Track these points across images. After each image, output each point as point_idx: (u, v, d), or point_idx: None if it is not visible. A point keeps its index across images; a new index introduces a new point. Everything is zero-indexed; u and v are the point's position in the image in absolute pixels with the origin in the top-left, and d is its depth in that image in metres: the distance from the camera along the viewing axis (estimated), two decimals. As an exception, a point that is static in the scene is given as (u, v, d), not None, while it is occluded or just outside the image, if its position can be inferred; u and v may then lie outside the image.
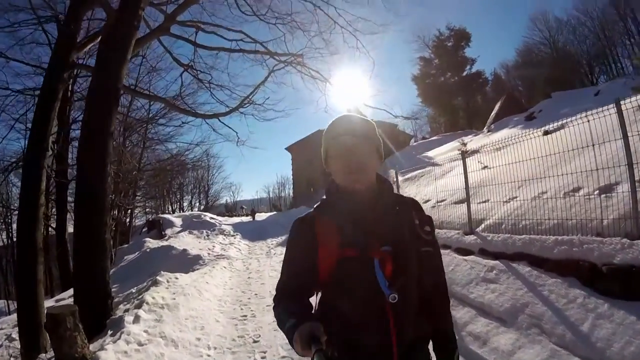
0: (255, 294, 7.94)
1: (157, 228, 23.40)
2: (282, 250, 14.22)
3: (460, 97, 46.96)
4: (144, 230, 26.95)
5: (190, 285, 7.52)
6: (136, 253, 15.07)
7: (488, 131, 21.46)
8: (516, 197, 6.49)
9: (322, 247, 1.36)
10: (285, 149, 45.16)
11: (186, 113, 12.48)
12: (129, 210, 28.33)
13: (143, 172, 27.44)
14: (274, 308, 1.44)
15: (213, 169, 55.76)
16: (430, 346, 1.52)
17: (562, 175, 5.68)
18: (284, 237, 17.72)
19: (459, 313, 5.01)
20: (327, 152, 1.49)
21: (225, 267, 11.09)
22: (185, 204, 53.02)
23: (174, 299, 6.54)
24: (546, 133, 6.96)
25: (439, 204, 9.00)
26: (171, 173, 34.92)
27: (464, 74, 46.28)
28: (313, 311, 1.40)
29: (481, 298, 5.02)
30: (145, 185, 31.23)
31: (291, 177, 47.54)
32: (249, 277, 9.97)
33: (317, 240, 1.37)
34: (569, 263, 4.37)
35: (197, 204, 54.48)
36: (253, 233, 20.62)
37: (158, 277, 7.61)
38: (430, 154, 23.05)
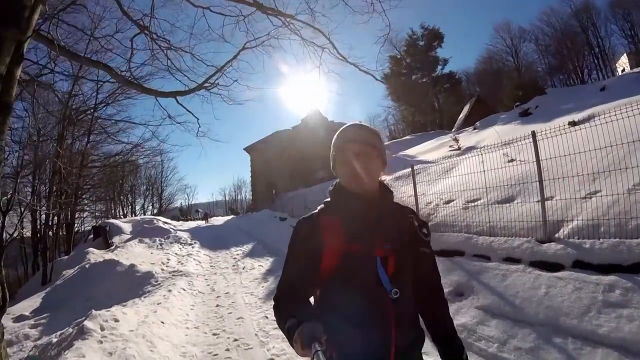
0: (235, 340, 5.57)
1: (102, 236, 20.47)
2: (252, 264, 11.89)
3: (431, 97, 47.41)
4: (89, 237, 23.86)
5: (138, 332, 5.13)
6: (76, 268, 12.24)
7: (474, 129, 20.39)
8: (599, 192, 5.44)
9: (328, 243, 1.42)
10: (244, 149, 43.10)
11: (136, 88, 9.88)
12: (71, 215, 24.94)
13: (89, 169, 24.33)
14: (274, 307, 1.47)
15: (167, 170, 54.11)
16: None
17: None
18: (250, 246, 15.73)
19: (593, 359, 3.53)
20: (335, 157, 1.59)
21: (184, 290, 8.69)
22: (137, 208, 50.57)
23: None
24: (574, 124, 6.39)
25: (471, 204, 7.48)
26: (122, 172, 31.83)
27: (435, 74, 46.84)
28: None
29: (618, 332, 3.60)
30: (92, 187, 28.12)
31: (249, 179, 45.58)
32: (217, 306, 7.59)
33: (323, 237, 1.44)
34: None
35: (151, 207, 52.12)
36: (213, 241, 18.40)
37: (87, 323, 5.04)
38: (409, 152, 21.48)
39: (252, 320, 6.39)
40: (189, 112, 11.52)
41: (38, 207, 16.80)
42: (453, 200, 8.19)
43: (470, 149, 13.61)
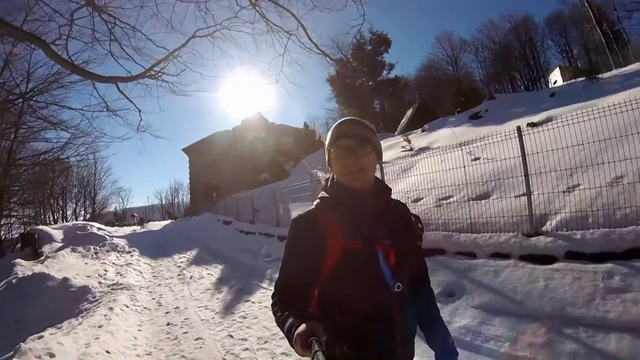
0: None
1: (31, 244, 18.60)
2: (199, 272, 10.99)
3: (376, 100, 48.51)
4: (17, 246, 21.81)
5: (79, 367, 4.30)
6: (2, 284, 10.80)
7: (422, 131, 20.57)
8: (579, 186, 5.71)
9: (329, 240, 1.43)
10: (182, 150, 42.54)
11: (73, 69, 8.82)
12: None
13: (16, 168, 22.18)
14: (272, 306, 1.45)
15: (100, 172, 51.89)
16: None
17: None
18: (194, 252, 14.98)
19: (608, 344, 3.54)
20: (330, 153, 1.57)
21: (127, 307, 7.76)
22: (69, 212, 47.80)
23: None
24: (533, 125, 6.68)
25: (444, 201, 7.45)
26: (52, 173, 29.56)
27: (381, 78, 47.62)
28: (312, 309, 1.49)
29: (627, 315, 3.69)
30: (20, 188, 25.83)
31: (188, 181, 45.30)
32: (169, 324, 6.75)
33: (323, 234, 1.44)
34: None
35: (83, 212, 49.52)
36: (153, 247, 17.40)
37: None
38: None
39: (214, 341, 5.62)
40: (131, 101, 10.71)
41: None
42: (422, 199, 8.01)
43: (423, 149, 13.61)
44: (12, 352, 4.44)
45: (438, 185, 7.77)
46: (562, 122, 5.93)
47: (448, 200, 7.39)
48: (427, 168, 7.97)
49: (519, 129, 6.12)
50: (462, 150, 7.52)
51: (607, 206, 5.04)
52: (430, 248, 6.40)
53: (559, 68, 42.89)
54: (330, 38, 47.11)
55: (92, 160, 43.59)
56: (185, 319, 7.00)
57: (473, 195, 6.97)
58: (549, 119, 9.34)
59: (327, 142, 1.60)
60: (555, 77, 41.63)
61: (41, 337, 5.37)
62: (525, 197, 5.87)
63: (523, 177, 6.03)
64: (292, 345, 1.16)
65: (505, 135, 6.49)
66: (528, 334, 4.03)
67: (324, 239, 1.43)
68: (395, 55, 69.19)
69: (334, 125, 1.59)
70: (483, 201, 6.68)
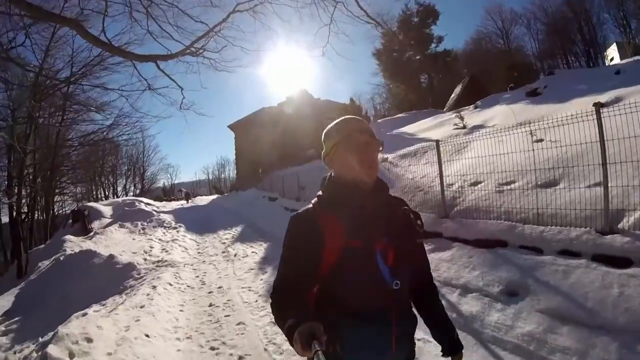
0: (240, 358, 4.50)
1: (81, 220, 19.08)
2: (244, 250, 10.51)
3: (424, 75, 46.45)
4: (68, 222, 22.53)
5: (117, 357, 4.07)
6: (51, 260, 11.05)
7: (475, 107, 19.55)
8: None
9: (328, 239, 1.43)
10: (228, 126, 42.30)
11: (110, 50, 8.67)
12: (47, 198, 23.44)
13: (65, 149, 22.79)
14: (272, 305, 1.45)
15: (149, 150, 53.34)
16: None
17: None
18: (239, 229, 14.69)
19: None
20: (337, 147, 1.57)
21: (171, 285, 7.61)
22: (119, 189, 49.55)
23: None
24: (600, 106, 5.25)
25: (505, 187, 6.63)
26: (101, 152, 30.34)
27: (429, 51, 45.08)
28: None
29: None
30: (71, 168, 26.61)
31: (234, 157, 44.86)
32: (211, 306, 6.52)
33: (322, 234, 1.43)
34: None
35: (133, 188, 51.23)
36: (199, 223, 17.18)
37: (51, 349, 3.85)
38: (406, 130, 20.48)
39: (256, 327, 5.30)
40: (172, 80, 10.46)
41: (9, 193, 15.50)
42: (480, 183, 7.22)
43: (477, 127, 12.81)
44: (49, 337, 4.27)
45: (498, 169, 6.97)
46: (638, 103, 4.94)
47: (510, 186, 6.57)
48: (483, 149, 7.17)
49: (597, 109, 5.08)
50: (523, 130, 6.73)
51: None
52: (491, 239, 5.78)
53: (616, 44, 39.37)
54: (376, 12, 45.91)
55: (140, 139, 44.68)
56: (228, 300, 6.75)
57: (539, 182, 6.16)
58: (618, 99, 8.56)
59: (332, 135, 1.60)
60: (612, 54, 38.50)
61: (85, 314, 5.31)
62: (601, 188, 4.97)
63: (598, 166, 5.08)
64: (292, 345, 1.16)
65: (578, 116, 5.45)
66: (598, 348, 3.49)
67: (323, 237, 1.43)
68: (443, 28, 66.67)
69: (338, 121, 1.64)
70: (550, 190, 5.85)
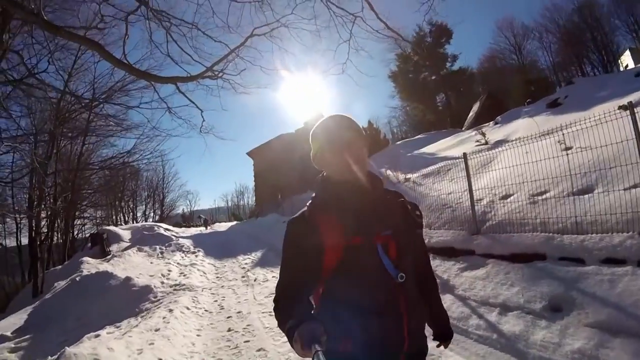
0: None
1: (99, 243, 19.11)
2: (264, 274, 9.90)
3: (441, 94, 46.23)
4: (87, 245, 22.59)
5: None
6: (67, 280, 10.89)
7: (495, 123, 19.24)
8: None
9: (327, 239, 1.40)
10: (247, 153, 42.57)
11: (130, 71, 8.57)
12: (66, 221, 23.55)
13: (86, 172, 23.02)
14: (274, 309, 1.45)
15: (168, 176, 52.98)
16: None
17: None
18: (259, 254, 14.31)
19: None
20: (322, 148, 1.57)
21: (188, 309, 7.32)
22: (139, 214, 49.64)
23: None
24: (626, 108, 5.04)
25: (539, 197, 6.33)
26: (121, 177, 30.60)
27: (444, 71, 45.30)
28: (313, 309, 1.47)
29: None
30: (93, 191, 26.89)
31: (252, 184, 45.01)
32: (230, 331, 6.16)
33: (320, 235, 1.41)
34: None
35: (152, 214, 51.09)
36: (218, 248, 16.79)
37: None
38: (427, 150, 20.18)
39: (278, 354, 4.92)
40: (192, 101, 10.41)
41: (28, 214, 15.57)
42: (511, 195, 6.88)
43: (500, 142, 12.45)
44: (56, 356, 4.02)
45: (528, 179, 6.67)
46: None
47: (543, 196, 6.25)
48: (510, 161, 6.92)
49: (631, 106, 4.84)
50: (549, 139, 6.53)
51: None
52: (528, 253, 5.43)
53: (630, 50, 38.90)
54: (394, 27, 45.98)
55: (160, 164, 45.23)
56: (247, 325, 6.38)
57: (574, 190, 5.84)
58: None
59: (316, 137, 1.61)
60: (626, 60, 37.94)
61: (97, 335, 5.18)
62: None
63: (636, 165, 4.89)
64: (292, 346, 1.15)
65: (611, 114, 5.18)
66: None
67: (321, 238, 1.41)
68: (457, 46, 66.74)
69: (320, 122, 1.62)
70: (586, 196, 5.55)
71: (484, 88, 41.55)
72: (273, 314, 1.44)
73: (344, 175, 1.49)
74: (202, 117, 10.98)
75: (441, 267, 6.55)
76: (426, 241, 7.17)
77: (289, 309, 1.32)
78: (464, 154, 7.59)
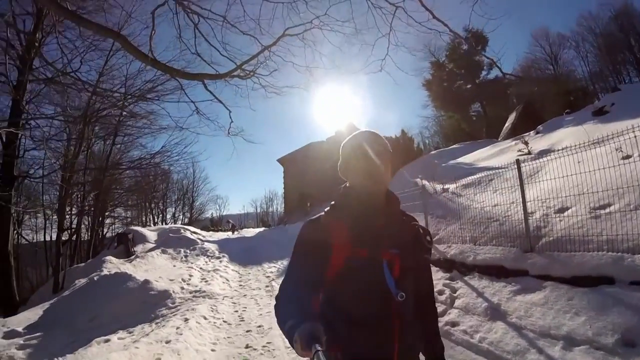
0: None
1: (124, 243, 19.02)
2: None
3: (476, 103, 45.29)
4: (113, 244, 22.60)
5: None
6: (86, 279, 10.62)
7: (537, 133, 18.35)
8: None
9: (335, 246, 1.42)
10: (277, 160, 42.51)
11: (156, 65, 8.16)
12: (93, 220, 23.63)
13: (116, 171, 23.12)
14: (275, 307, 1.44)
15: (199, 180, 53.79)
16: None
17: None
18: (285, 262, 13.63)
19: None
20: (349, 159, 1.61)
21: (205, 319, 6.82)
22: (168, 216, 50.12)
23: None
24: None
25: (601, 211, 5.49)
26: (151, 177, 30.74)
27: (480, 79, 44.24)
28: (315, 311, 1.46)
29: None
30: (123, 191, 27.38)
31: (282, 191, 45.21)
32: (248, 347, 5.57)
33: (330, 240, 1.44)
34: None
35: (182, 217, 51.64)
36: (244, 254, 16.39)
37: None
38: (464, 160, 19.39)
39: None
40: (219, 100, 9.94)
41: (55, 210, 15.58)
42: (568, 208, 6.04)
43: (544, 152, 11.63)
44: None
45: (586, 191, 5.88)
46: None
47: (607, 210, 5.43)
48: (562, 171, 6.19)
49: None
50: (603, 147, 5.85)
51: None
52: (593, 276, 4.67)
53: None
54: (423, 43, 44.96)
55: (190, 167, 45.94)
56: (267, 342, 5.80)
57: None
58: None
59: (344, 148, 1.66)
60: None
61: (107, 340, 5.14)
62: None
63: None
64: (292, 346, 1.13)
65: None
66: None
67: (331, 244, 1.42)
68: (492, 55, 65.28)
69: (352, 135, 1.65)
70: None
71: (518, 99, 40.60)
72: (274, 311, 1.41)
73: (364, 186, 1.51)
74: (230, 117, 10.51)
75: (490, 289, 5.75)
76: (470, 258, 6.25)
77: (289, 309, 1.30)
78: (517, 160, 6.82)
